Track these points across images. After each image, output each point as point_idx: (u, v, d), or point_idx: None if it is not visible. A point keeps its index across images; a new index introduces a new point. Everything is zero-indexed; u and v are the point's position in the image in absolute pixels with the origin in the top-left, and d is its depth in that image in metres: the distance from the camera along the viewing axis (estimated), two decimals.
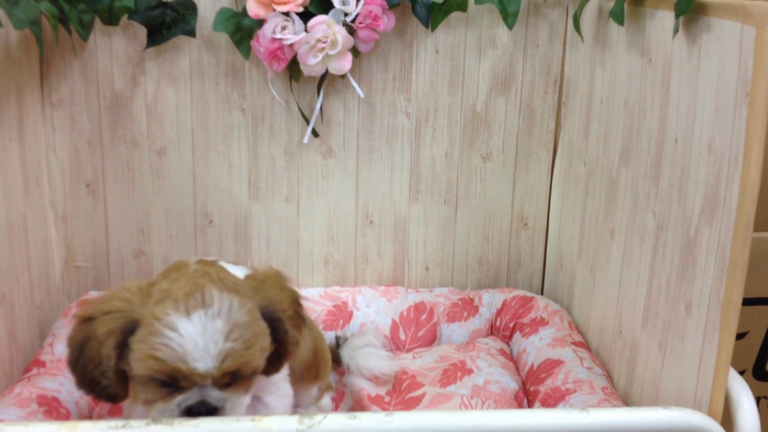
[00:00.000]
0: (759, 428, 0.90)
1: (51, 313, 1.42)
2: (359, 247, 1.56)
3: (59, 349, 1.28)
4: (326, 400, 1.26)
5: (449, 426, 0.85)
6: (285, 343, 0.96)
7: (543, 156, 1.54)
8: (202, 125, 1.46)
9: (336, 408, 1.29)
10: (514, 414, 0.87)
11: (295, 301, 1.00)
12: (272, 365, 0.98)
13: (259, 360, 0.91)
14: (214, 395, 0.88)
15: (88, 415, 1.21)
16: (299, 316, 1.00)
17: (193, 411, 0.87)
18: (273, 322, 0.94)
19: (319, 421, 0.83)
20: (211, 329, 0.86)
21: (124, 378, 0.92)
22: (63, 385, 1.20)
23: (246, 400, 0.93)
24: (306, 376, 1.20)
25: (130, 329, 0.88)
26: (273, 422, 0.82)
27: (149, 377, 0.88)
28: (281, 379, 1.06)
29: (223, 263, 1.04)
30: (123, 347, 0.89)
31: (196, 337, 0.85)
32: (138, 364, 0.87)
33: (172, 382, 0.87)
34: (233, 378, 0.89)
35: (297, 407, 1.23)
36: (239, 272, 1.05)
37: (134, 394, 1.05)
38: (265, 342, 0.92)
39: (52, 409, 1.15)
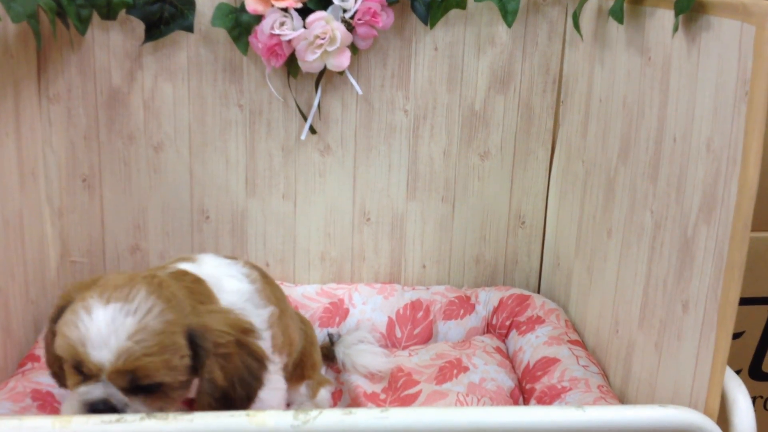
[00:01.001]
0: (755, 427, 0.90)
1: (46, 308, 1.41)
2: (356, 244, 1.56)
3: None
4: (324, 394, 1.26)
5: (444, 423, 0.85)
6: (201, 375, 0.92)
7: (541, 154, 1.54)
8: (200, 121, 1.46)
9: (335, 405, 1.28)
10: (509, 411, 0.87)
11: (240, 343, 0.94)
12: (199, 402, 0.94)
13: (163, 374, 0.88)
14: (116, 396, 0.87)
15: None
16: (230, 360, 0.93)
17: (94, 407, 0.86)
18: (196, 348, 0.91)
19: (314, 416, 0.82)
20: (119, 323, 0.86)
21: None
22: None
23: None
24: (293, 375, 1.20)
25: (60, 312, 0.92)
26: (268, 417, 0.82)
27: (63, 359, 0.89)
28: (275, 372, 1.05)
29: (213, 257, 1.05)
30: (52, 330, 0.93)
31: (102, 325, 0.86)
32: (57, 342, 0.89)
33: (79, 369, 0.88)
34: (134, 384, 0.87)
35: (290, 404, 1.22)
36: (233, 270, 1.07)
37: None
38: (175, 360, 0.88)
39: (47, 404, 1.14)
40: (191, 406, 0.98)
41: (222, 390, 0.92)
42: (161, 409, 0.89)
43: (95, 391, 0.87)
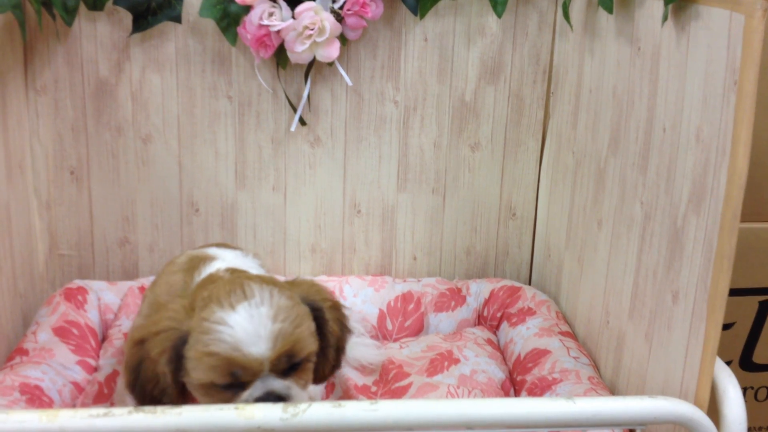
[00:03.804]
0: (745, 418, 0.90)
1: (34, 302, 1.40)
2: (347, 236, 1.55)
3: (42, 338, 1.27)
4: (314, 387, 1.26)
5: (435, 414, 0.85)
6: (326, 334, 0.98)
7: (531, 145, 1.53)
8: (188, 112, 1.45)
9: (326, 398, 1.28)
10: (500, 403, 0.87)
11: (334, 298, 1.03)
12: (319, 368, 1.00)
13: (310, 342, 0.93)
14: (277, 384, 0.90)
15: (72, 404, 1.20)
16: (339, 309, 1.02)
17: (264, 399, 0.89)
18: (314, 311, 0.97)
19: (303, 409, 0.82)
20: (257, 315, 0.89)
21: (185, 392, 0.94)
22: (46, 373, 1.19)
23: (305, 396, 0.94)
24: None
25: (181, 343, 0.90)
26: (257, 410, 0.81)
27: (210, 383, 0.89)
28: None
29: (228, 251, 1.11)
30: (178, 361, 0.91)
31: (245, 324, 0.88)
32: (196, 371, 0.89)
33: (233, 381, 0.89)
34: (290, 364, 0.91)
35: None
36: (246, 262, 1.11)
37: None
38: (311, 326, 0.94)
39: (35, 398, 1.14)
40: (185, 400, 0.98)
41: (338, 339, 1.00)
42: (306, 384, 0.95)
43: (256, 389, 0.89)
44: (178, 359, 0.91)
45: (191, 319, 0.91)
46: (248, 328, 0.88)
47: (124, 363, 0.95)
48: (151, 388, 0.92)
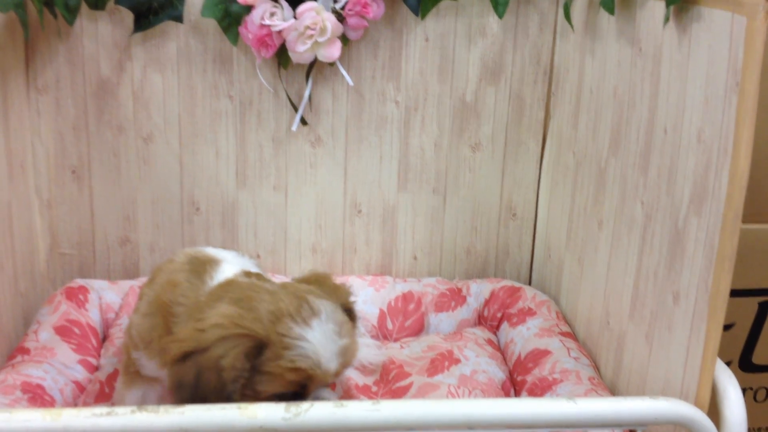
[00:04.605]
0: (745, 419, 0.90)
1: (35, 301, 1.41)
2: (347, 236, 1.55)
3: (43, 337, 1.27)
4: None
5: (436, 415, 0.85)
6: None
7: (532, 146, 1.54)
8: (189, 112, 1.45)
9: None
10: (502, 403, 0.87)
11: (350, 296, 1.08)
12: None
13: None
14: (326, 395, 0.95)
15: (73, 403, 1.20)
16: (354, 311, 1.07)
17: None
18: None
19: (305, 409, 0.82)
20: (328, 332, 0.93)
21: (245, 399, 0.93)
22: (47, 372, 1.19)
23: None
24: None
25: (256, 352, 0.91)
26: (259, 410, 0.81)
27: (272, 395, 0.91)
28: None
29: (232, 253, 1.12)
30: (247, 371, 0.91)
31: (323, 341, 0.93)
32: (271, 383, 0.91)
33: (299, 391, 0.92)
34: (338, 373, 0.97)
35: None
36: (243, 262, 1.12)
37: (129, 380, 1.06)
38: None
39: (37, 397, 1.14)
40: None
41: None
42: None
43: (324, 396, 0.95)
44: (248, 369, 0.91)
45: (258, 327, 0.91)
46: (325, 344, 0.92)
47: (176, 381, 0.92)
48: (214, 400, 0.89)
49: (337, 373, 0.95)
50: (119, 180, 1.47)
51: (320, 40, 1.35)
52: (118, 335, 1.35)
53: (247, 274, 1.05)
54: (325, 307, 0.96)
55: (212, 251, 1.16)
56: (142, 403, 1.09)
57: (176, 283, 1.05)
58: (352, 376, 1.30)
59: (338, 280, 1.50)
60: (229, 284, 1.01)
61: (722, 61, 0.88)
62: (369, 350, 1.35)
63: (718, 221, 0.88)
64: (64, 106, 1.42)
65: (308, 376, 0.92)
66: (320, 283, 1.04)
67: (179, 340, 0.93)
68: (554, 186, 1.50)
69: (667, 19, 1.01)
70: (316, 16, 1.33)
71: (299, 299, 0.95)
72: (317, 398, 0.94)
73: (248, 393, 0.91)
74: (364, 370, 1.33)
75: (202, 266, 1.07)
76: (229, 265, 1.08)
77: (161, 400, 1.10)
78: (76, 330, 1.31)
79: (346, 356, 0.95)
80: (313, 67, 1.43)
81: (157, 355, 1.04)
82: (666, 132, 1.03)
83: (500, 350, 1.41)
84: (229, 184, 1.50)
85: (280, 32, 1.34)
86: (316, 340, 0.92)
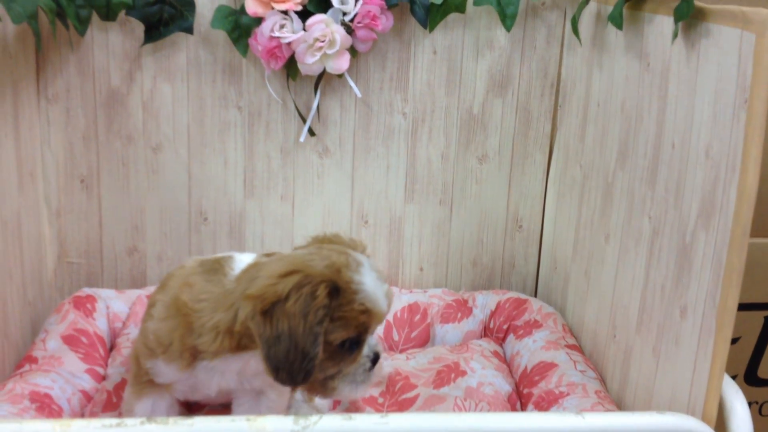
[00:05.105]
0: None
1: (43, 309, 1.41)
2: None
3: (51, 345, 1.28)
4: (321, 399, 1.26)
5: (443, 428, 0.85)
6: None
7: (539, 158, 1.54)
8: (198, 122, 1.46)
9: (333, 409, 1.28)
10: (509, 417, 0.87)
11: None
12: None
13: None
14: (375, 341, 1.01)
15: (80, 413, 1.21)
16: None
17: (376, 359, 1.00)
18: None
19: (314, 421, 0.82)
20: (375, 279, 0.99)
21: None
22: (55, 381, 1.20)
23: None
24: None
25: (335, 293, 0.94)
26: (268, 422, 0.82)
27: (340, 343, 0.95)
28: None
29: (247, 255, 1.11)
30: (330, 310, 0.95)
31: (377, 285, 0.98)
32: (344, 327, 0.95)
33: (357, 339, 0.97)
34: None
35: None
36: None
37: (139, 390, 1.06)
38: None
39: (44, 406, 1.14)
40: (190, 409, 0.99)
41: None
42: None
43: (370, 345, 1.00)
44: (330, 309, 0.94)
45: (327, 274, 0.95)
46: (378, 288, 0.98)
47: (269, 338, 0.92)
48: (309, 346, 0.92)
49: (386, 314, 1.01)
50: (128, 189, 1.48)
51: (329, 52, 1.35)
52: (125, 344, 1.35)
53: (268, 255, 1.06)
54: (364, 259, 1.01)
55: (219, 254, 1.15)
56: (151, 413, 1.09)
57: (192, 283, 1.05)
58: None
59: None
60: (256, 264, 1.02)
61: (731, 78, 0.89)
62: None
63: (726, 236, 0.89)
64: (74, 115, 1.43)
65: (373, 316, 0.97)
66: (335, 242, 1.07)
67: (254, 297, 0.94)
68: (561, 198, 1.50)
69: (675, 35, 1.02)
70: (326, 28, 1.34)
71: (343, 254, 0.99)
72: (370, 346, 0.99)
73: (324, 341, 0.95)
74: None
75: (215, 265, 1.07)
76: (243, 256, 1.08)
77: (170, 410, 1.11)
78: (84, 339, 1.32)
79: (390, 298, 1.01)
80: (321, 78, 1.44)
81: (178, 358, 1.03)
82: (674, 147, 1.03)
83: (506, 362, 1.41)
84: (236, 193, 1.50)
85: (289, 44, 1.35)
86: (372, 284, 0.97)
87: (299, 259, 0.98)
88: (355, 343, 0.98)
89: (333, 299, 0.94)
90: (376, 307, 0.98)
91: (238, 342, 0.99)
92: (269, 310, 0.92)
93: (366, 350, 0.99)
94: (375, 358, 1.01)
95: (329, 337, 0.94)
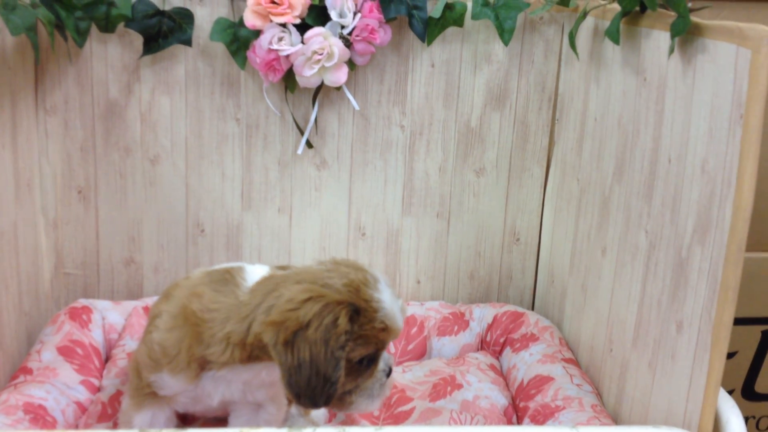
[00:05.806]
0: None
1: (39, 320, 1.41)
2: (351, 258, 1.55)
3: (47, 357, 1.27)
4: (317, 410, 1.26)
5: None
6: None
7: (536, 172, 1.54)
8: (196, 134, 1.46)
9: (330, 421, 1.28)
10: (504, 430, 0.87)
11: None
12: None
13: None
14: (388, 357, 1.03)
15: (74, 424, 1.20)
16: None
17: (390, 372, 1.02)
18: None
19: None
20: (391, 296, 1.00)
21: None
22: (50, 392, 1.19)
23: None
24: None
25: (356, 316, 0.95)
26: None
27: (359, 359, 0.96)
28: (281, 388, 1.06)
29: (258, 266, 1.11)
30: (351, 334, 0.95)
31: (394, 303, 1.00)
32: (365, 345, 0.96)
33: (373, 356, 0.98)
34: None
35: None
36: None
37: (139, 402, 1.06)
38: None
39: (39, 417, 1.14)
40: (185, 421, 0.98)
41: None
42: None
43: (385, 360, 1.01)
44: (351, 333, 0.95)
45: (347, 297, 0.95)
46: (395, 304, 1.00)
47: (291, 366, 0.92)
48: (330, 371, 0.93)
49: (401, 330, 1.02)
50: (125, 201, 1.48)
51: (327, 65, 1.36)
52: (120, 356, 1.35)
53: (282, 267, 1.06)
54: (380, 274, 1.02)
55: (227, 265, 1.14)
56: (150, 425, 1.08)
57: (201, 293, 1.03)
58: None
59: None
60: (272, 277, 1.01)
61: (726, 93, 0.89)
62: None
63: (722, 252, 0.89)
64: (72, 127, 1.43)
65: (390, 333, 0.98)
66: (340, 263, 1.06)
67: (276, 323, 0.93)
68: (558, 212, 1.50)
69: (672, 51, 1.02)
70: (324, 41, 1.34)
71: (360, 270, 1.00)
72: (384, 360, 1.01)
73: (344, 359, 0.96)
74: None
75: (225, 275, 1.06)
76: (254, 267, 1.07)
77: (168, 422, 1.10)
78: (79, 350, 1.31)
79: (404, 314, 1.03)
80: (319, 91, 1.44)
81: (185, 368, 1.02)
82: (670, 161, 1.04)
83: (503, 376, 1.41)
84: (234, 206, 1.51)
85: (287, 57, 1.35)
86: (389, 302, 0.98)
87: (319, 280, 0.98)
88: (372, 359, 0.99)
89: (354, 323, 0.95)
90: (395, 325, 0.99)
91: (250, 353, 0.99)
92: (291, 339, 0.92)
93: (381, 364, 1.01)
94: (389, 372, 1.02)
95: (349, 356, 0.95)
